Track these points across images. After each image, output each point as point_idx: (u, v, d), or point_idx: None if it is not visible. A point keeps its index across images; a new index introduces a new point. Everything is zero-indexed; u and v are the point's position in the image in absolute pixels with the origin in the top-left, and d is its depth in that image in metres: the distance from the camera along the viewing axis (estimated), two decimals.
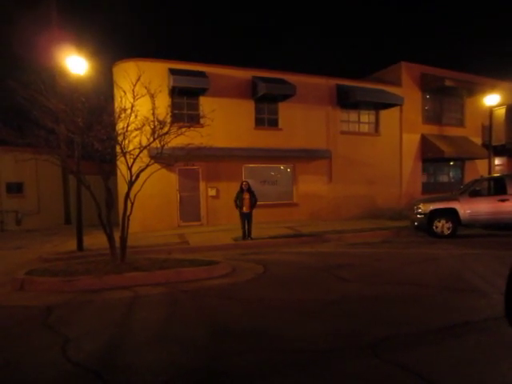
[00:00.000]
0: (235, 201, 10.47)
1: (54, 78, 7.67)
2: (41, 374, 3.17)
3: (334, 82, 16.10)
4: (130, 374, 3.08)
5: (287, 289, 5.79)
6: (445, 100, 18.66)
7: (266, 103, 15.05)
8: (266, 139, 14.79)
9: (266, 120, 15.19)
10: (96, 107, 6.86)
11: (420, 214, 10.96)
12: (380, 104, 16.46)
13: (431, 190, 17.92)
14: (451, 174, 19.44)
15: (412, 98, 17.39)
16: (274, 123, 15.26)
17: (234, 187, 13.95)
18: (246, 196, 10.38)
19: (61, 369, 3.23)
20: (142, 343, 3.75)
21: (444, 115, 18.77)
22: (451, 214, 10.71)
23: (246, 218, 10.42)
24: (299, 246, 9.95)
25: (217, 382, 2.99)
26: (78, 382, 3.03)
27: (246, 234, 10.46)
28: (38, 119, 6.57)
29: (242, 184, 10.68)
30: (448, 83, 16.95)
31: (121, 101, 7.08)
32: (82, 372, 3.17)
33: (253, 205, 10.42)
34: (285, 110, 15.23)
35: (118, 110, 7.11)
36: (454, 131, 18.56)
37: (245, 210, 10.35)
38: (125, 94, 7.06)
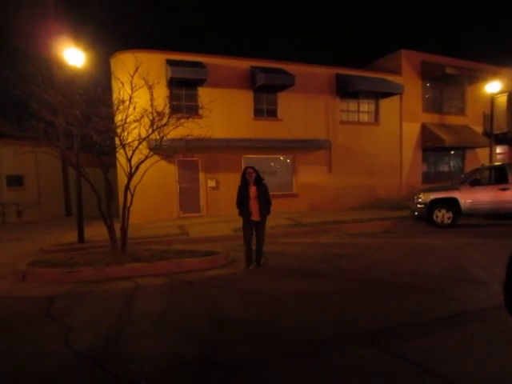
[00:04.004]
0: (239, 202, 6.36)
1: (51, 70, 7.63)
2: (43, 362, 3.24)
3: (333, 71, 15.96)
4: (129, 363, 3.14)
5: (286, 279, 5.84)
6: (445, 88, 18.48)
7: (265, 93, 14.94)
8: (266, 130, 14.72)
9: (265, 110, 15.10)
10: (94, 99, 6.85)
11: (420, 203, 10.93)
12: (380, 93, 16.34)
13: (432, 179, 17.86)
14: (452, 163, 19.35)
15: (412, 87, 17.24)
16: (273, 113, 15.18)
17: (234, 178, 13.91)
18: (253, 193, 6.24)
19: (63, 357, 3.28)
20: (142, 333, 3.80)
21: (444, 104, 18.62)
22: (452, 204, 10.66)
23: (254, 229, 6.39)
24: (299, 237, 9.99)
25: (215, 371, 3.03)
26: (79, 371, 3.08)
27: (253, 258, 6.45)
28: (36, 111, 6.56)
29: (244, 172, 6.33)
30: (449, 71, 16.77)
31: (119, 92, 7.05)
32: (83, 360, 3.22)
33: (266, 208, 6.31)
34: (284, 100, 15.13)
35: (116, 101, 7.09)
36: (454, 120, 18.42)
37: (253, 217, 6.30)
38: (123, 85, 7.03)
